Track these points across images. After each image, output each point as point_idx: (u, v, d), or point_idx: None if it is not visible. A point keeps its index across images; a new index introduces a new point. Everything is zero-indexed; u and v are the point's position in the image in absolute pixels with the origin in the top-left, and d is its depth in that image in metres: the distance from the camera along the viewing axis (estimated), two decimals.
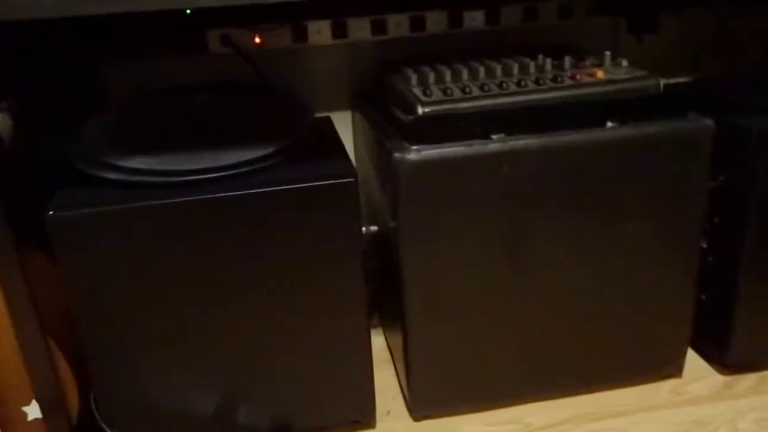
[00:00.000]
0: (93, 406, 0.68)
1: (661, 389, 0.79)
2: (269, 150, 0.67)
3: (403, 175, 0.66)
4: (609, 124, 0.69)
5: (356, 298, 0.69)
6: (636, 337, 0.77)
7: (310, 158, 0.68)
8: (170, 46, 0.84)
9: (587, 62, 0.78)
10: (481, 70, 0.75)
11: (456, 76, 0.75)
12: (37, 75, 0.75)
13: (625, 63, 0.76)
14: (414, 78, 0.75)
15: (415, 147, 0.66)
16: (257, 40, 0.84)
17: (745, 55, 1.00)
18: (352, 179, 0.64)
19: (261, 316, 0.67)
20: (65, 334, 0.67)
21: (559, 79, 0.72)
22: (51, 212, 0.60)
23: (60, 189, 0.64)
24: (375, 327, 0.94)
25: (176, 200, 0.61)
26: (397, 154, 0.66)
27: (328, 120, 0.86)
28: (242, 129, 0.72)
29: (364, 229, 0.72)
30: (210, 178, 0.63)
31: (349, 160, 0.70)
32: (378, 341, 0.90)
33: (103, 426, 0.68)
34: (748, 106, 0.76)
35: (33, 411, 0.66)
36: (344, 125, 0.93)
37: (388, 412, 0.78)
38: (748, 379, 0.80)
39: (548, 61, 0.77)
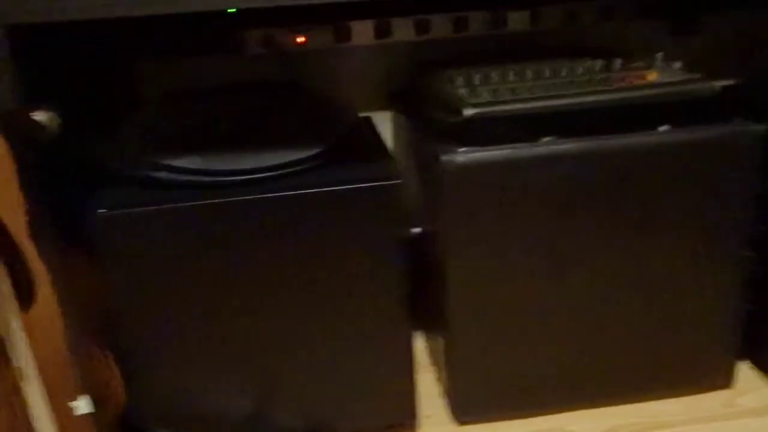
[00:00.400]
0: (131, 404, 0.69)
1: (710, 401, 0.77)
2: (313, 151, 0.66)
3: (449, 178, 0.65)
4: (661, 128, 0.67)
5: (399, 301, 0.68)
6: (680, 346, 0.75)
7: (354, 159, 0.68)
8: (207, 47, 0.84)
9: (637, 64, 0.76)
10: (529, 72, 0.74)
11: (502, 78, 0.74)
12: (77, 76, 0.76)
13: (677, 65, 0.74)
14: (459, 79, 0.74)
15: (462, 149, 0.65)
16: (300, 39, 0.83)
17: None
18: (397, 181, 0.63)
19: (302, 317, 0.67)
20: (108, 331, 0.67)
21: (610, 81, 0.70)
22: (100, 210, 0.60)
23: (102, 188, 0.64)
24: (420, 330, 0.94)
25: (221, 201, 0.61)
26: (444, 157, 0.65)
27: (369, 120, 0.85)
28: (285, 130, 0.71)
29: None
30: (255, 178, 0.63)
31: (394, 162, 0.69)
32: (422, 344, 0.89)
33: (140, 424, 0.69)
34: None
35: (81, 406, 0.67)
36: (382, 126, 0.93)
37: (429, 417, 0.77)
38: None
39: (598, 63, 0.75)
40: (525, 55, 0.81)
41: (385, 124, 0.93)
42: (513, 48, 0.89)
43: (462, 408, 0.75)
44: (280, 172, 0.64)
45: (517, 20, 0.89)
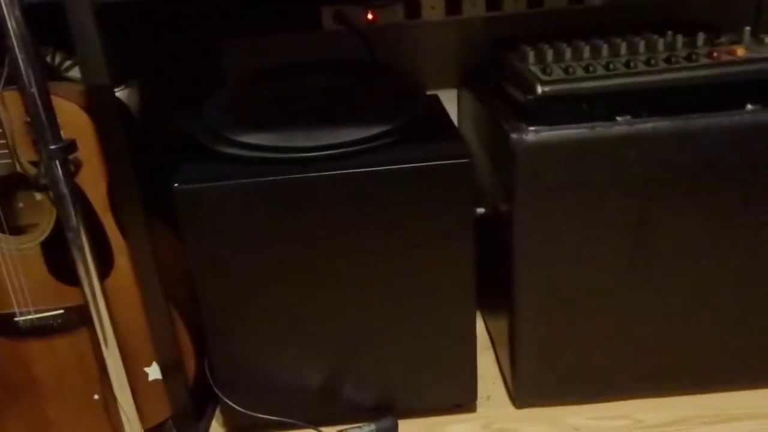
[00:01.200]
0: (207, 372, 0.71)
1: None
2: (384, 128, 0.66)
3: (520, 157, 0.63)
4: (749, 106, 0.63)
5: (465, 281, 0.68)
6: (759, 339, 0.72)
7: (425, 138, 0.67)
8: (285, 24, 0.85)
9: (724, 39, 0.72)
10: (605, 48, 0.71)
11: (577, 54, 0.71)
12: (161, 55, 0.78)
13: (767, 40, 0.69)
14: (531, 55, 0.72)
15: (533, 128, 0.63)
16: (369, 16, 0.83)
17: None
18: (468, 160, 0.62)
19: (369, 294, 0.67)
20: (184, 302, 0.70)
21: (694, 57, 0.67)
22: (176, 185, 0.62)
23: (183, 162, 0.66)
24: (483, 311, 0.93)
25: (295, 176, 0.62)
26: (514, 135, 0.63)
27: (437, 98, 0.84)
28: (357, 107, 0.71)
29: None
30: (328, 155, 0.64)
31: (464, 141, 0.68)
32: (478, 326, 0.89)
33: (217, 391, 0.71)
34: None
35: (154, 372, 0.70)
36: (449, 104, 0.92)
37: (488, 398, 0.77)
38: None
39: (679, 38, 0.72)
40: (603, 30, 0.78)
41: (450, 102, 0.92)
42: (591, 24, 0.86)
43: (524, 391, 0.74)
44: (351, 149, 0.64)
45: None
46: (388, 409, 0.73)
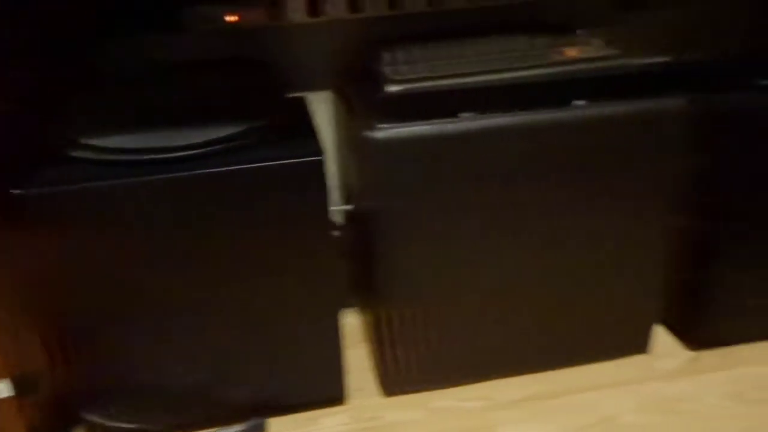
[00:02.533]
0: (66, 385, 0.69)
1: (628, 366, 0.80)
2: (235, 130, 0.66)
3: (370, 154, 0.66)
4: (580, 102, 0.69)
5: (327, 278, 0.69)
6: (605, 314, 0.78)
7: (279, 138, 0.68)
8: (145, 24, 0.83)
9: (564, 40, 0.78)
10: (458, 49, 0.75)
11: (431, 55, 0.75)
12: (24, 54, 0.75)
13: (599, 41, 0.76)
14: (387, 56, 0.75)
15: (383, 125, 0.66)
16: (233, 17, 0.83)
17: (732, 36, 0.99)
18: (319, 158, 0.64)
19: (229, 296, 0.68)
20: (38, 312, 0.67)
21: (533, 57, 0.72)
22: (23, 190, 0.60)
23: (34, 167, 0.64)
24: (352, 306, 0.95)
25: (137, 180, 0.61)
26: (364, 132, 0.66)
27: (302, 100, 0.85)
28: (212, 108, 0.71)
29: (338, 208, 0.73)
30: (174, 157, 0.63)
31: (317, 139, 0.70)
32: (354, 320, 0.91)
33: (74, 406, 0.69)
34: (726, 86, 0.76)
35: (4, 389, 0.67)
36: (326, 105, 0.93)
37: (360, 389, 0.79)
38: (714, 355, 0.81)
39: (526, 40, 0.77)
40: (462, 33, 0.82)
41: (325, 104, 0.93)
42: (460, 26, 0.90)
43: (389, 380, 0.77)
44: (200, 150, 0.64)
45: None
46: (259, 410, 0.73)
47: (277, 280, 0.68)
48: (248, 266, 0.67)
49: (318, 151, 0.65)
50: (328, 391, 0.75)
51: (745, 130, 0.72)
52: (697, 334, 0.82)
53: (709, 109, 0.71)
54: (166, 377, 0.70)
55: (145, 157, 0.63)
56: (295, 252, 0.67)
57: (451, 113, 0.67)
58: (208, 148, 0.64)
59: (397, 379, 0.77)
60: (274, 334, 0.70)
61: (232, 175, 0.63)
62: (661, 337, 0.84)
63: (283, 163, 0.63)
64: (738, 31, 0.96)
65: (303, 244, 0.67)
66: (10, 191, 0.60)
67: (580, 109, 0.68)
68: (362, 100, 0.74)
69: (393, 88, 0.68)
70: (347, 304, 0.92)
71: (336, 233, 0.96)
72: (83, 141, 0.65)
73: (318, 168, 0.64)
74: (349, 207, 0.82)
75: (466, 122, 0.67)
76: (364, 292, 0.80)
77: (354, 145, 0.72)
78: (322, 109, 0.94)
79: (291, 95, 0.86)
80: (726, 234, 0.77)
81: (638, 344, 0.81)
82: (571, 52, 0.73)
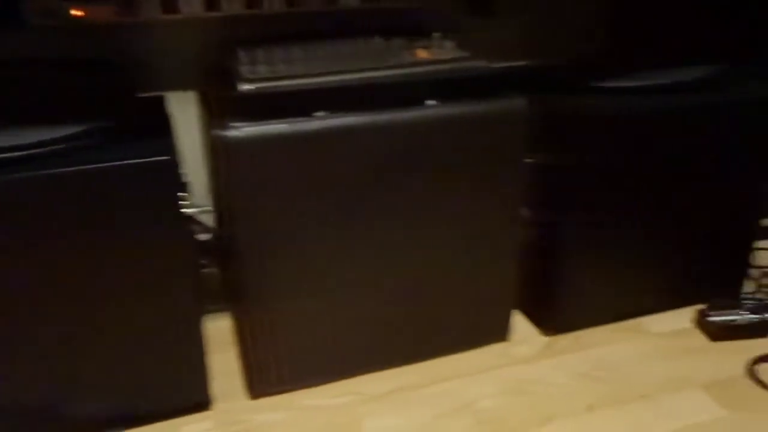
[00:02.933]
0: None
1: (488, 353, 0.84)
2: (78, 129, 0.63)
3: (223, 153, 0.65)
4: (428, 102, 0.72)
5: (185, 281, 0.68)
6: (465, 305, 0.82)
7: (129, 137, 0.66)
8: None
9: (418, 43, 0.80)
10: (315, 50, 0.76)
11: (288, 55, 0.75)
12: None
13: (451, 45, 0.79)
14: (244, 56, 0.74)
15: (236, 125, 0.65)
16: (79, 12, 0.79)
17: (584, 40, 1.07)
18: (168, 157, 0.62)
19: (87, 301, 0.65)
20: None
21: (385, 59, 0.74)
22: None
23: None
24: (223, 310, 0.93)
25: None
26: (215, 131, 0.65)
27: (159, 99, 0.83)
28: (55, 108, 0.68)
29: (191, 210, 0.71)
30: (9, 158, 0.59)
31: (170, 140, 0.68)
32: (225, 324, 0.89)
33: None
34: (575, 88, 0.82)
35: None
36: (188, 105, 0.91)
37: (226, 394, 0.78)
38: (566, 339, 0.87)
39: (381, 42, 0.79)
40: (324, 34, 0.83)
41: (190, 104, 0.91)
42: (319, 28, 0.90)
43: (256, 381, 0.76)
44: (38, 150, 0.61)
45: None
46: (115, 422, 0.70)
47: (134, 285, 0.65)
48: (99, 270, 0.64)
49: (168, 150, 0.63)
50: (192, 397, 0.73)
51: (581, 129, 0.78)
52: (551, 321, 0.88)
53: (547, 109, 0.77)
54: (12, 392, 0.66)
55: None
56: (150, 255, 0.65)
57: (306, 112, 0.68)
58: (42, 149, 0.61)
59: (264, 380, 0.76)
60: (133, 339, 0.68)
61: (72, 176, 0.60)
62: (520, 324, 0.89)
63: (127, 163, 0.61)
64: (577, 37, 1.04)
65: (158, 245, 0.65)
66: None
67: (432, 108, 0.71)
68: (218, 99, 0.73)
69: (247, 87, 0.67)
70: (215, 309, 0.90)
71: (202, 236, 0.94)
72: None
73: (169, 168, 0.63)
74: (201, 208, 0.80)
75: (320, 121, 0.67)
76: (230, 294, 0.78)
77: (211, 144, 0.71)
78: (189, 110, 0.92)
79: (149, 95, 0.83)
80: (571, 226, 0.83)
81: (498, 333, 0.86)
82: (424, 54, 0.76)
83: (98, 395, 0.69)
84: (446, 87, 0.71)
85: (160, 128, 0.71)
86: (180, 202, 0.65)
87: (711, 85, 0.83)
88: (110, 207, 0.62)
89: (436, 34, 0.81)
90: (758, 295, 0.92)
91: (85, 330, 0.66)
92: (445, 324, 0.82)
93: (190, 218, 0.68)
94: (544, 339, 0.87)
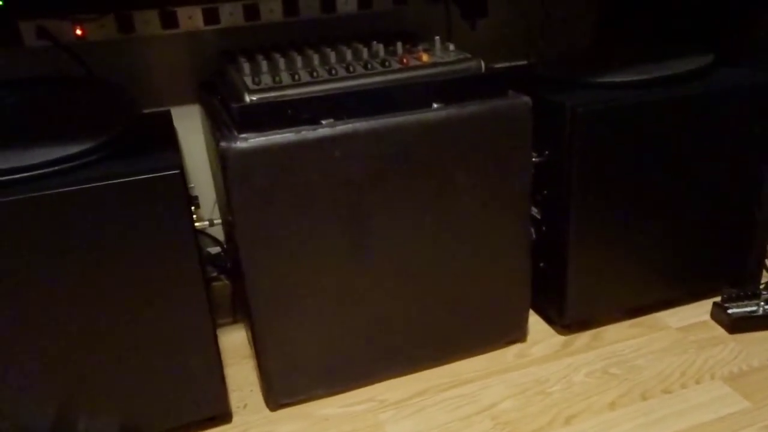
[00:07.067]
0: None
1: (507, 354, 0.84)
2: (86, 146, 0.63)
3: (231, 165, 0.65)
4: (435, 105, 0.71)
5: (196, 294, 0.67)
6: (479, 307, 0.81)
7: (136, 153, 0.66)
8: None
9: (419, 47, 0.80)
10: (316, 58, 0.75)
11: (290, 64, 0.75)
12: None
13: (452, 47, 0.79)
14: (247, 66, 0.74)
15: (242, 135, 0.65)
16: (78, 31, 0.79)
17: (572, 38, 1.07)
18: (176, 171, 0.62)
19: (99, 316, 0.64)
20: None
21: (387, 63, 0.73)
22: None
23: None
24: (237, 322, 0.93)
25: None
26: (223, 143, 0.64)
27: (166, 114, 0.83)
28: (60, 126, 0.68)
29: (200, 224, 0.71)
30: (21, 178, 0.59)
31: (177, 153, 0.68)
32: (240, 336, 0.89)
33: None
34: (566, 84, 0.82)
35: None
36: (193, 119, 0.91)
37: (245, 406, 0.77)
38: (583, 337, 0.86)
39: (381, 47, 0.79)
40: (321, 42, 0.83)
41: (192, 117, 0.91)
42: (315, 35, 0.91)
43: (274, 392, 0.76)
44: (45, 170, 0.60)
45: (311, 7, 0.90)
46: None
47: (144, 297, 0.65)
48: (109, 286, 0.63)
49: (176, 164, 0.63)
50: (211, 409, 0.73)
51: (588, 127, 0.78)
52: (566, 320, 0.87)
53: (552, 104, 0.77)
54: (26, 408, 0.65)
55: None
56: (160, 268, 0.64)
57: (313, 120, 0.67)
58: (52, 168, 0.61)
59: (281, 391, 0.76)
60: (149, 352, 0.67)
61: (82, 193, 0.60)
62: (536, 324, 0.88)
63: (136, 179, 0.61)
64: (574, 36, 1.04)
65: (167, 258, 0.64)
66: None
67: (439, 110, 0.71)
68: (224, 111, 0.73)
69: (253, 98, 0.67)
70: (231, 321, 0.90)
71: (213, 249, 0.94)
72: None
73: (176, 181, 0.62)
74: (210, 222, 0.80)
75: (328, 128, 0.67)
76: (240, 303, 0.78)
77: (216, 156, 0.70)
78: (194, 124, 0.92)
79: (154, 110, 0.83)
80: (581, 222, 0.82)
81: (515, 333, 0.85)
82: (425, 57, 0.75)
83: (115, 411, 0.68)
84: (452, 88, 0.71)
85: (167, 143, 0.71)
86: (189, 216, 0.65)
87: (705, 76, 0.82)
88: (120, 222, 0.62)
89: (436, 37, 0.81)
90: None
91: (100, 345, 0.65)
92: (460, 327, 0.81)
93: (199, 231, 0.68)
94: (561, 338, 0.86)
